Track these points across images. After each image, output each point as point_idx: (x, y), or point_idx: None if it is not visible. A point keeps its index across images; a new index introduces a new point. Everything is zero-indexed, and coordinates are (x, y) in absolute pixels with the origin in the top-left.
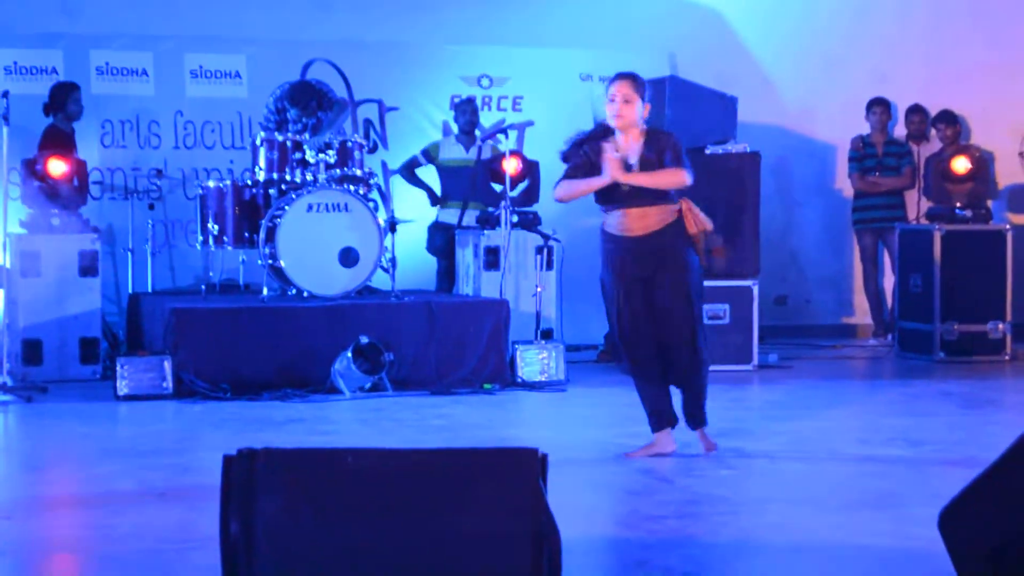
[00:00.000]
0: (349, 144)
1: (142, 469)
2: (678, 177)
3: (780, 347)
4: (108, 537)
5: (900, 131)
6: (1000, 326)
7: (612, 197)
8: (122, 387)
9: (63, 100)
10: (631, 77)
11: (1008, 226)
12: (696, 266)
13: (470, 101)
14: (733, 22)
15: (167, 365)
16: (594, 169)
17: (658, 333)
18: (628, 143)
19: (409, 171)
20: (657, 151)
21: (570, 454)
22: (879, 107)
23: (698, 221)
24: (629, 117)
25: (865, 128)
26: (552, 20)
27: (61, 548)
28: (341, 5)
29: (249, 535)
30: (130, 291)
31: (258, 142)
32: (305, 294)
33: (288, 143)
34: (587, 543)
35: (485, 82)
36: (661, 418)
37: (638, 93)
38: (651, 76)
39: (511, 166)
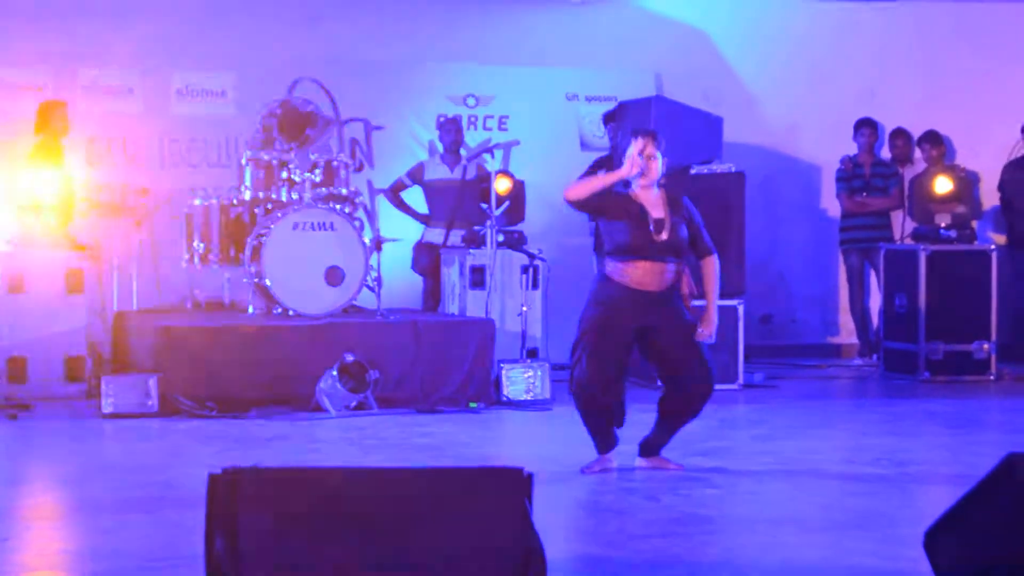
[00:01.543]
0: (335, 163)
1: (127, 487)
2: (718, 270)
3: (766, 367)
4: (93, 555)
5: (886, 152)
6: (985, 346)
7: (638, 249)
8: (107, 405)
9: (49, 118)
10: (653, 134)
11: (993, 246)
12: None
13: (455, 120)
14: (719, 42)
15: (152, 383)
16: (608, 208)
17: (668, 369)
18: (650, 198)
19: (394, 194)
20: (683, 218)
21: (555, 473)
22: (867, 128)
23: (690, 284)
24: (654, 173)
25: (850, 148)
26: (538, 40)
27: (46, 566)
28: (328, 24)
29: (233, 553)
30: (115, 309)
31: (244, 161)
32: (291, 312)
33: (274, 162)
34: (572, 562)
35: (471, 101)
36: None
37: (659, 149)
38: (637, 96)
39: (502, 186)
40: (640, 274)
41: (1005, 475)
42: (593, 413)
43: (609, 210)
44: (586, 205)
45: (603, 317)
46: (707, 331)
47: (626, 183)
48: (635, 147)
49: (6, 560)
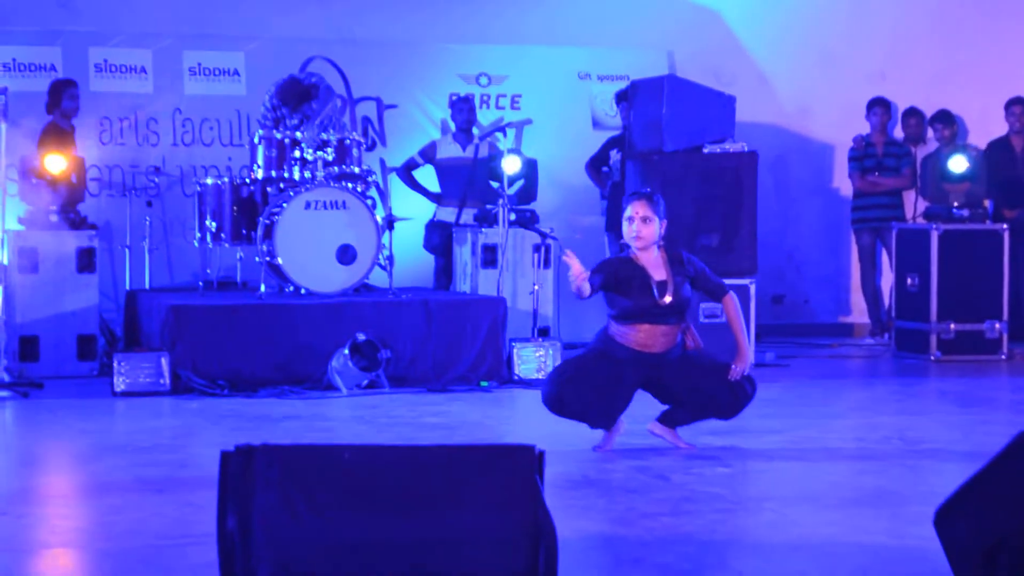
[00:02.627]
0: (347, 142)
1: (139, 465)
2: (739, 306)
3: (777, 346)
4: (105, 533)
5: (898, 132)
6: (996, 325)
7: (642, 313)
8: (119, 383)
9: (59, 97)
10: (647, 196)
11: (1005, 226)
12: None
13: (468, 99)
14: (731, 21)
15: (164, 362)
16: (616, 281)
17: (693, 400)
18: (651, 260)
19: (407, 173)
20: (686, 275)
21: (566, 451)
22: (879, 107)
23: (695, 339)
24: (648, 236)
25: (863, 127)
26: (551, 19)
27: (58, 544)
28: (340, 3)
29: (246, 531)
30: (127, 288)
31: (256, 140)
32: (303, 291)
33: (286, 140)
34: (583, 540)
35: (483, 80)
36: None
37: (655, 211)
38: (649, 75)
39: (512, 165)
40: (644, 336)
41: (1015, 454)
42: (562, 415)
43: (612, 283)
44: (596, 291)
45: (598, 356)
46: (741, 367)
47: (624, 246)
48: (628, 211)
49: (20, 537)
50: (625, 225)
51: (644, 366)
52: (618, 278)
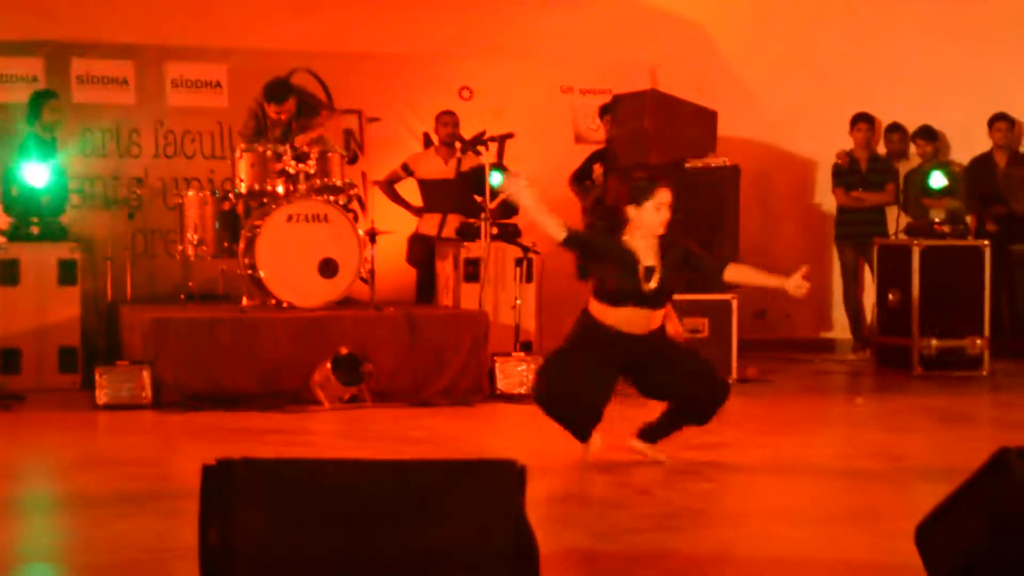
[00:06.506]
0: (329, 154)
1: (121, 478)
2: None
3: (759, 361)
4: (86, 546)
5: (881, 147)
6: (978, 341)
7: (625, 296)
8: (101, 396)
9: (40, 109)
10: (673, 184)
11: (986, 242)
12: None
13: (450, 113)
14: (714, 36)
15: (146, 374)
16: (597, 254)
17: (670, 395)
18: (643, 246)
19: (389, 186)
20: (678, 260)
21: (549, 466)
22: (863, 123)
23: (676, 324)
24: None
25: (846, 143)
26: (533, 32)
27: (40, 558)
28: (323, 15)
29: (227, 545)
30: (109, 300)
31: (238, 153)
32: (284, 305)
33: (268, 153)
34: (565, 555)
35: (466, 93)
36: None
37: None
38: (632, 89)
39: (496, 179)
40: (625, 318)
41: (996, 469)
42: (554, 413)
43: (600, 255)
44: (578, 245)
45: (583, 342)
46: (804, 285)
47: (613, 230)
48: (661, 197)
49: (0, 551)
50: (652, 212)
51: (624, 346)
52: (602, 252)
